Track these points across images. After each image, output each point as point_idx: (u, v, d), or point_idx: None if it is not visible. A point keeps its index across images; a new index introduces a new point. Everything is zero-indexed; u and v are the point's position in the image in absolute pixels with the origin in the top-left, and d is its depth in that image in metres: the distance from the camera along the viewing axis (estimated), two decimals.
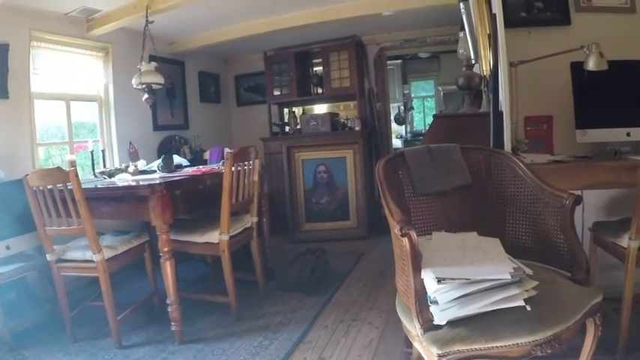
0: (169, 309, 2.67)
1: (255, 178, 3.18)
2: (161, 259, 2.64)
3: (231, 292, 2.93)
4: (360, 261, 4.12)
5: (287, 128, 5.57)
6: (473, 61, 2.87)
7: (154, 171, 3.67)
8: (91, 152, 3.66)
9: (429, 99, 8.73)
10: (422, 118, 8.77)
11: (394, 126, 7.64)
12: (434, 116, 2.38)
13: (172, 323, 2.68)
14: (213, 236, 2.87)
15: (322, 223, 4.96)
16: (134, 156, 4.20)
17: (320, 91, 5.44)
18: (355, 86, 5.09)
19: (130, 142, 4.22)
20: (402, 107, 8.03)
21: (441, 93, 7.71)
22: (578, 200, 1.72)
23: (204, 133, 5.45)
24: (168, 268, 2.63)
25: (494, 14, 2.37)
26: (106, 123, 4.20)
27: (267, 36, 4.71)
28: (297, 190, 4.98)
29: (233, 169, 2.84)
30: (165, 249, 2.62)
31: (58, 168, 2.55)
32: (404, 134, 8.24)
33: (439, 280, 1.33)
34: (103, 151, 3.80)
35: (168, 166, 3.58)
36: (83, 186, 2.66)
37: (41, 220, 2.66)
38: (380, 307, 3.03)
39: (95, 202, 2.71)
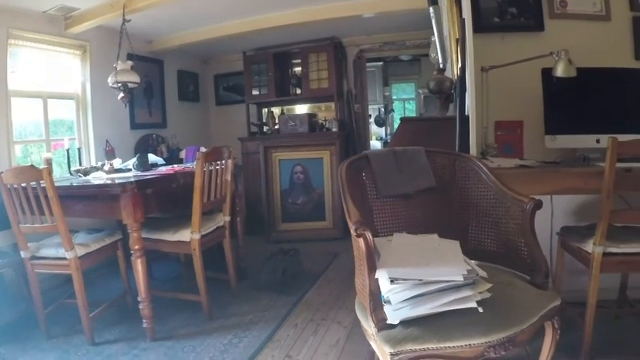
0: (140, 306, 2.70)
1: (228, 177, 3.22)
2: (132, 257, 2.66)
3: (202, 291, 2.97)
4: (334, 262, 4.18)
5: (265, 128, 5.60)
6: (441, 65, 2.95)
7: (130, 169, 3.68)
8: (67, 150, 3.66)
9: (409, 101, 8.83)
10: None
11: (375, 128, 7.73)
12: (401, 119, 2.44)
13: (144, 320, 2.71)
14: (185, 235, 2.90)
15: (298, 223, 5.01)
16: (110, 154, 4.20)
17: (299, 91, 5.49)
18: (334, 87, 5.15)
19: (107, 141, 4.22)
20: (383, 109, 8.12)
21: (422, 96, 7.81)
22: (539, 205, 1.76)
23: (183, 132, 5.46)
24: (139, 265, 2.65)
25: (464, 19, 2.42)
26: (83, 121, 4.19)
27: (246, 36, 4.74)
28: (274, 191, 5.02)
29: (205, 168, 2.87)
30: (136, 247, 2.64)
31: (32, 166, 2.56)
32: (384, 136, 8.33)
33: (392, 280, 1.38)
34: (79, 149, 3.79)
35: (143, 164, 3.60)
36: (58, 184, 2.70)
37: (15, 218, 2.66)
38: (349, 306, 3.09)
39: (68, 200, 2.71)
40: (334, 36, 5.24)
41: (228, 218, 3.30)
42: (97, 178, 3.28)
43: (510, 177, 2.05)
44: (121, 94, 3.63)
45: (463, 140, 2.25)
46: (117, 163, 3.81)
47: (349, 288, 3.43)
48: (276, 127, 5.48)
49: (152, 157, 3.88)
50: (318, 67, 5.17)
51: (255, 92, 5.49)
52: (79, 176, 3.41)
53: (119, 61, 3.62)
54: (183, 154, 4.43)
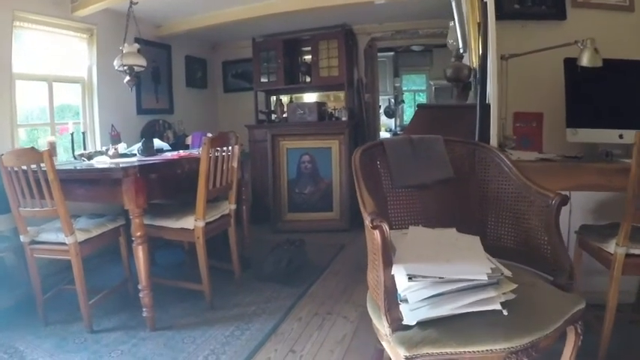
0: (141, 294, 2.62)
1: (235, 164, 3.12)
2: (133, 244, 2.58)
3: (205, 280, 2.88)
4: (340, 253, 4.09)
5: (273, 116, 5.50)
6: (462, 52, 2.82)
7: (134, 154, 3.60)
8: (71, 134, 3.57)
9: (420, 93, 8.68)
10: (412, 112, 8.73)
11: (384, 119, 7.60)
12: (418, 106, 2.32)
13: (144, 309, 2.63)
14: (189, 222, 2.81)
15: (305, 213, 4.92)
16: (116, 139, 4.11)
17: (308, 79, 5.36)
18: (344, 76, 5.02)
19: (112, 125, 4.13)
20: (393, 100, 7.98)
21: (433, 87, 7.66)
22: (565, 200, 1.65)
23: (190, 118, 5.36)
24: (140, 252, 2.57)
25: (486, 2, 2.30)
26: (89, 105, 4.10)
27: (256, 21, 4.62)
28: (281, 180, 4.92)
29: (211, 154, 2.78)
30: (138, 233, 2.55)
31: (32, 148, 2.47)
32: (393, 127, 8.20)
33: (410, 277, 1.28)
34: (84, 134, 3.71)
35: (148, 149, 3.51)
36: (60, 168, 2.62)
37: (15, 201, 2.59)
38: (356, 301, 3.00)
39: (70, 183, 2.63)
40: (345, 23, 5.10)
41: (233, 206, 3.21)
42: (101, 162, 3.19)
43: (531, 170, 1.94)
44: (127, 78, 3.53)
45: (483, 130, 2.13)
46: (121, 147, 3.72)
47: (356, 281, 3.34)
48: (284, 115, 5.37)
49: (157, 143, 3.78)
50: (329, 54, 5.04)
51: (263, 79, 5.37)
52: (83, 160, 3.32)
53: (125, 44, 3.52)
54: (189, 140, 4.34)
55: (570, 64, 2.42)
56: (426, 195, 1.98)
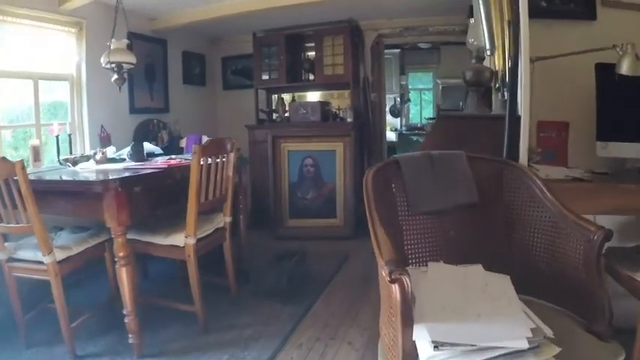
0: (126, 320, 2.38)
1: (230, 173, 2.86)
2: (116, 265, 2.34)
3: (197, 302, 2.64)
4: (344, 265, 3.85)
5: (275, 115, 5.23)
6: (487, 53, 2.53)
7: (124, 159, 3.35)
8: (57, 137, 3.32)
9: (426, 92, 8.38)
10: (418, 112, 8.44)
11: (389, 118, 7.33)
12: (437, 116, 2.05)
13: (129, 335, 2.39)
14: (178, 239, 2.57)
15: (307, 219, 4.66)
16: (106, 141, 3.86)
17: (311, 77, 5.07)
18: (349, 74, 4.73)
19: (102, 126, 3.87)
20: (399, 99, 7.70)
21: (440, 86, 7.35)
22: (609, 236, 1.44)
23: (187, 117, 5.10)
24: (124, 275, 2.32)
25: None
26: (78, 104, 3.83)
27: (257, 15, 4.32)
28: (282, 184, 4.67)
29: (203, 162, 2.53)
30: (121, 254, 2.30)
31: (3, 159, 2.22)
32: (399, 127, 7.92)
33: (436, 346, 1.03)
34: (70, 136, 3.45)
35: (137, 154, 3.27)
36: (38, 177, 2.42)
37: None
38: (361, 323, 2.76)
39: (48, 195, 2.40)
40: (351, 18, 4.81)
41: (229, 219, 2.96)
42: (85, 169, 2.95)
43: (564, 193, 1.70)
44: (115, 76, 3.27)
45: (512, 145, 1.86)
46: (110, 151, 3.47)
47: (361, 298, 3.11)
48: (286, 114, 5.11)
49: (148, 147, 3.54)
50: (333, 51, 4.75)
51: (264, 77, 5.08)
52: (68, 166, 3.08)
53: (113, 40, 3.26)
54: (183, 143, 4.08)
55: (603, 70, 2.18)
56: (447, 222, 1.73)
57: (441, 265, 1.53)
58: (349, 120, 4.65)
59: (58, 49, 3.72)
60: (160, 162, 2.97)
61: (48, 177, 2.62)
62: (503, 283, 1.37)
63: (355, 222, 4.61)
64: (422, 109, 8.38)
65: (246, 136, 4.96)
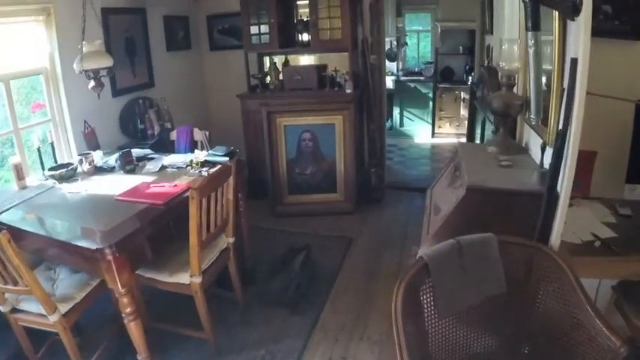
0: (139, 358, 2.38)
1: (230, 196, 2.72)
2: (124, 320, 2.28)
3: (208, 331, 2.65)
4: (348, 254, 3.82)
5: (267, 80, 4.89)
6: (533, 119, 2.21)
7: (113, 167, 3.19)
8: (38, 149, 3.11)
9: (424, 34, 7.82)
10: (416, 55, 7.93)
11: (386, 62, 6.91)
12: (467, 190, 1.82)
13: None
14: (183, 277, 2.50)
15: (306, 195, 4.56)
16: (91, 137, 3.63)
17: (306, 38, 4.67)
18: (347, 36, 4.33)
19: (85, 121, 3.61)
20: (395, 42, 7.20)
21: (439, 29, 6.82)
22: (638, 355, 1.37)
23: (173, 89, 4.76)
24: (134, 329, 2.28)
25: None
26: (56, 99, 3.51)
27: None
28: (279, 159, 4.49)
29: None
30: (128, 310, 2.24)
31: None
32: (395, 71, 7.50)
33: None
34: (52, 144, 3.24)
35: (127, 164, 3.12)
36: (35, 193, 2.51)
37: None
38: (370, 335, 2.83)
39: (43, 240, 2.30)
40: None
41: (232, 240, 2.87)
42: (74, 192, 2.80)
43: (587, 265, 1.65)
44: (92, 83, 2.99)
45: (546, 225, 1.70)
46: (97, 157, 3.30)
47: (368, 302, 3.17)
48: (279, 79, 4.79)
49: (136, 152, 3.35)
50: (330, 13, 4.30)
51: (255, 40, 4.63)
52: (54, 184, 2.92)
53: (84, 42, 2.92)
54: (174, 136, 3.85)
55: None
56: (472, 317, 1.66)
57: None
58: (348, 91, 4.35)
59: (27, 44, 3.34)
60: (153, 185, 2.78)
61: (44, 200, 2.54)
62: None
63: (356, 196, 4.54)
64: (419, 53, 7.89)
65: (239, 106, 4.68)
